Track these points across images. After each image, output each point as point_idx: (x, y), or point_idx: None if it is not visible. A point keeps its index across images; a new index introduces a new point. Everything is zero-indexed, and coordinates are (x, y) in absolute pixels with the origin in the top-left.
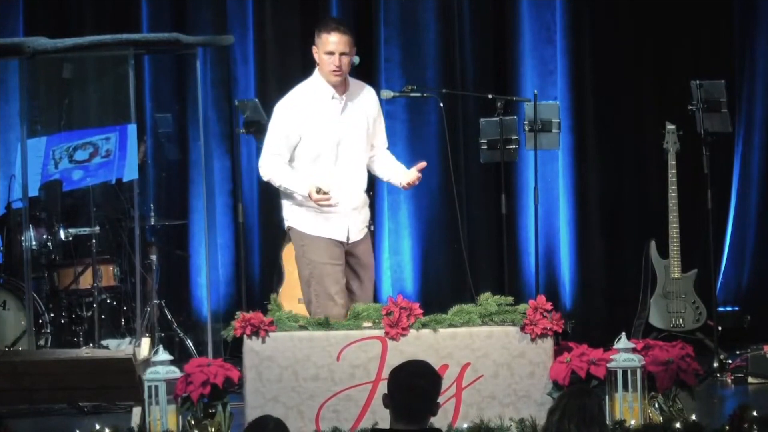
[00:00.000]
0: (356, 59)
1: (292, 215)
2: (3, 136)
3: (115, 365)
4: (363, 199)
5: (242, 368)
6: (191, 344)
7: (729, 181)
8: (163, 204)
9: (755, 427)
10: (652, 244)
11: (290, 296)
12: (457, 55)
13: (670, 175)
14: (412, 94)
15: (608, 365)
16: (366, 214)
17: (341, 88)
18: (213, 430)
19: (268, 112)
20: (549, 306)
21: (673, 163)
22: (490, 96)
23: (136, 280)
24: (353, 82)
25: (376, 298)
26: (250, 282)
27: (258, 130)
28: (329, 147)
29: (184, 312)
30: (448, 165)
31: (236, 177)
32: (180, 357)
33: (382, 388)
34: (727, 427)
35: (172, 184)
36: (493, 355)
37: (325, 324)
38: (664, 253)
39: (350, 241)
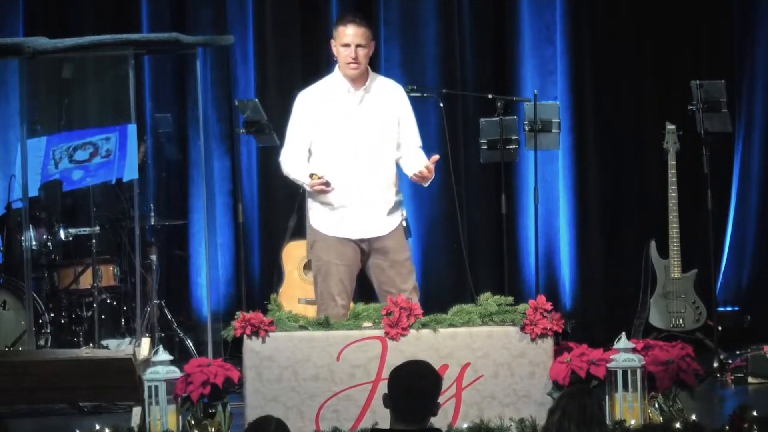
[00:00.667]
0: None
1: (311, 213)
2: (3, 136)
3: (115, 365)
4: (385, 195)
5: (242, 368)
6: (191, 344)
7: (729, 181)
8: (163, 204)
9: (755, 427)
10: (652, 244)
11: (290, 296)
12: (457, 55)
13: (670, 175)
14: (412, 94)
15: (608, 365)
16: (393, 209)
17: (359, 82)
18: (213, 430)
19: (268, 112)
20: (549, 306)
21: (673, 163)
22: (490, 96)
23: (136, 280)
24: (378, 79)
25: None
26: (250, 282)
27: (258, 130)
28: (345, 141)
29: (184, 312)
30: (448, 165)
31: (236, 177)
32: (180, 357)
33: (382, 388)
34: (727, 427)
35: (172, 184)
36: (493, 355)
37: (325, 324)
38: (664, 253)
39: (368, 237)
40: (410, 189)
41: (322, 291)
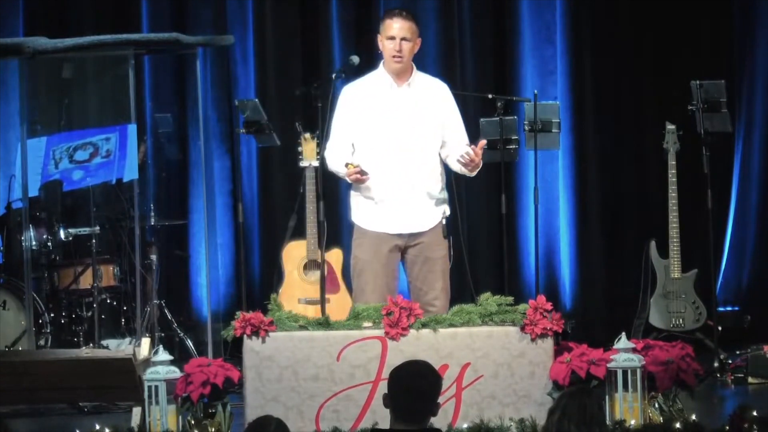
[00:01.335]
0: (356, 59)
1: (352, 208)
2: (3, 136)
3: (115, 365)
4: (426, 190)
5: (242, 368)
6: (191, 344)
7: (729, 181)
8: (163, 204)
9: (755, 427)
10: (652, 244)
11: (290, 296)
12: (457, 55)
13: (670, 175)
14: None
15: (608, 365)
16: (433, 206)
17: (403, 77)
18: (213, 430)
19: (268, 112)
20: (549, 306)
21: (673, 163)
22: (490, 96)
23: (136, 280)
24: (422, 76)
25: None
26: (250, 282)
27: (258, 130)
28: (386, 135)
29: (184, 312)
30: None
31: (236, 177)
32: (180, 357)
33: (382, 388)
34: (727, 427)
35: (172, 184)
36: (493, 355)
37: (325, 324)
38: (664, 253)
39: (407, 233)
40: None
41: (356, 287)
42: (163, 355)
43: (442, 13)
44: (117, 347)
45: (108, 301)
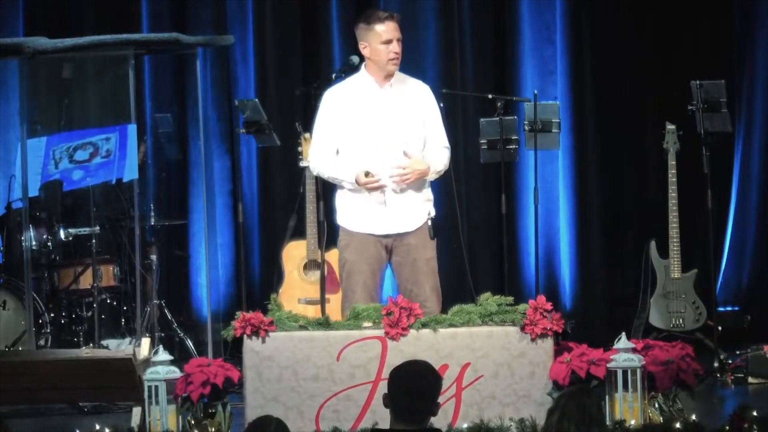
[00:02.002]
0: (356, 59)
1: (338, 211)
2: (3, 136)
3: (115, 365)
4: (410, 192)
5: (242, 368)
6: (191, 344)
7: (729, 181)
8: (163, 204)
9: (755, 427)
10: (652, 244)
11: (290, 296)
12: (457, 55)
13: (670, 175)
14: None
15: (608, 365)
16: (418, 207)
17: (386, 79)
18: (213, 430)
19: (268, 112)
20: (549, 306)
21: (673, 163)
22: (490, 96)
23: (136, 280)
24: (404, 77)
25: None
26: (250, 282)
27: (258, 130)
28: (370, 137)
29: (184, 312)
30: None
31: (236, 177)
32: (180, 357)
33: (382, 388)
34: (727, 427)
35: (172, 184)
36: (493, 355)
37: (325, 324)
38: (664, 253)
39: (393, 234)
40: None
41: (345, 288)
42: (163, 355)
43: (442, 13)
44: (117, 347)
45: (108, 301)
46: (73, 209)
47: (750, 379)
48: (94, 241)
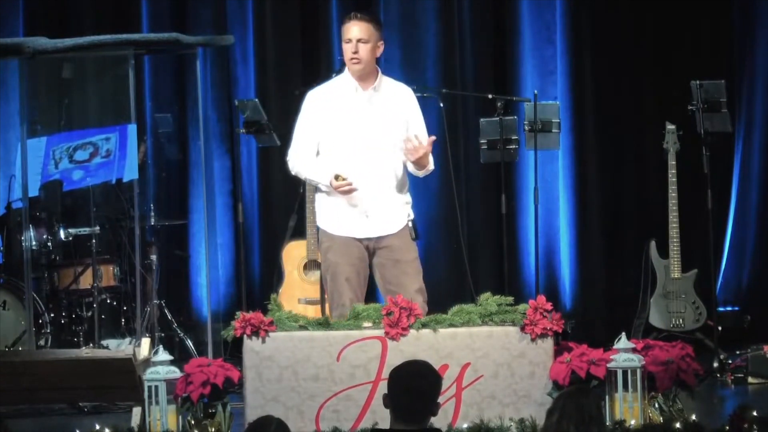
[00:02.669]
0: None
1: (318, 214)
2: (3, 136)
3: (115, 365)
4: (391, 194)
5: (242, 368)
6: (191, 344)
7: (729, 181)
8: (163, 204)
9: (755, 427)
10: (652, 244)
11: (290, 296)
12: (457, 55)
13: (670, 175)
14: None
15: (608, 365)
16: (399, 209)
17: (368, 82)
18: (213, 430)
19: (268, 112)
20: (549, 306)
21: (673, 163)
22: (490, 96)
23: (136, 280)
24: (387, 80)
25: (377, 299)
26: (250, 282)
27: (258, 130)
28: (351, 140)
29: (184, 312)
30: (448, 165)
31: (236, 177)
32: (180, 357)
33: (382, 388)
34: (727, 427)
35: (172, 184)
36: (493, 355)
37: (325, 324)
38: (664, 253)
39: (374, 237)
40: (411, 189)
41: (331, 290)
42: (163, 355)
43: (442, 13)
44: (117, 347)
45: (108, 301)
46: (73, 209)
47: (750, 379)
48: (94, 241)
